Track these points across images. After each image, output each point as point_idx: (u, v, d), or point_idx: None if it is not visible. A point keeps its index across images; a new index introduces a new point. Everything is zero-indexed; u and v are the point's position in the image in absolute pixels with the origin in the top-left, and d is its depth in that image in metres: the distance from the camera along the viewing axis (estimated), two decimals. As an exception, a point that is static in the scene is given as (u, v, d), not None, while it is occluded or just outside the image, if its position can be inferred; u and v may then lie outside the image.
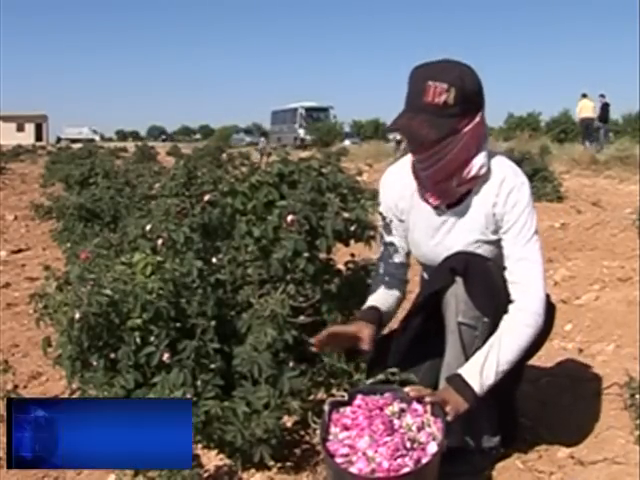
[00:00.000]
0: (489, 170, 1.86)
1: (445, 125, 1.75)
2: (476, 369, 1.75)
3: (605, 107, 18.76)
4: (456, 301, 1.83)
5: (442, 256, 1.91)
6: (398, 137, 20.90)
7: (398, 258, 2.05)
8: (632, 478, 1.82)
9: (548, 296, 2.06)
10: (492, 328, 1.82)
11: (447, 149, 1.79)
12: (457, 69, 1.78)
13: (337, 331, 1.94)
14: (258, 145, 28.51)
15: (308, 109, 37.49)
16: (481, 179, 1.86)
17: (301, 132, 35.20)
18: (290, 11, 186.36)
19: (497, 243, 1.89)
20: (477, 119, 1.81)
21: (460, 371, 1.77)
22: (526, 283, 1.82)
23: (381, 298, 2.04)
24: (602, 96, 18.85)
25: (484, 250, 1.90)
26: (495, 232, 1.88)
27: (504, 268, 1.86)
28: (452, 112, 1.75)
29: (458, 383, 1.74)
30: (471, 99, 1.78)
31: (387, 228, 2.05)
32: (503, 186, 1.84)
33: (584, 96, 18.96)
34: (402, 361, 1.88)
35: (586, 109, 18.71)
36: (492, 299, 1.82)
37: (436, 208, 1.93)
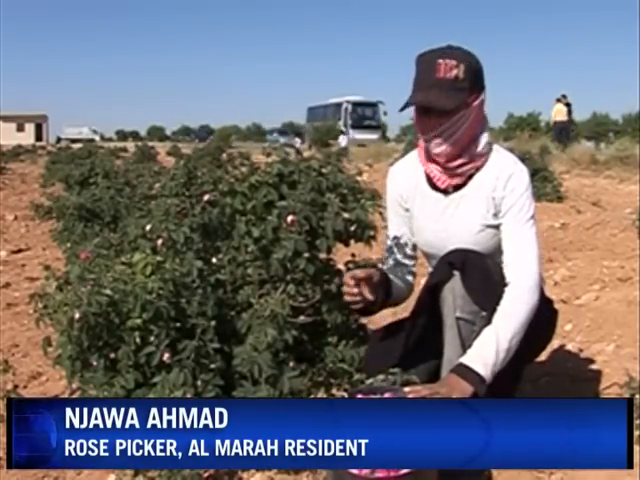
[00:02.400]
0: (490, 156, 1.94)
1: (458, 97, 1.85)
2: (476, 352, 1.75)
3: (567, 107, 19.10)
4: (453, 296, 1.84)
5: (445, 241, 1.93)
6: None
7: (406, 249, 2.06)
8: (632, 478, 1.82)
9: (551, 301, 2.06)
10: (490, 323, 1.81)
11: (460, 122, 1.87)
12: (461, 49, 1.91)
13: (360, 275, 1.86)
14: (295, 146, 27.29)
15: (355, 104, 33.04)
16: (486, 158, 1.93)
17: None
18: (282, 11, 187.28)
19: (498, 228, 1.92)
20: (482, 97, 1.92)
21: (461, 359, 1.76)
22: (520, 261, 1.85)
23: (391, 274, 2.02)
24: (564, 96, 19.22)
25: (486, 235, 1.92)
26: (495, 216, 1.91)
27: (501, 261, 1.88)
28: (463, 86, 1.85)
29: (460, 369, 1.73)
30: (477, 74, 1.91)
31: (394, 220, 2.06)
32: (503, 171, 1.91)
33: (558, 100, 19.33)
34: (402, 359, 1.88)
35: (560, 113, 19.17)
36: (490, 293, 1.82)
37: (444, 192, 1.96)
